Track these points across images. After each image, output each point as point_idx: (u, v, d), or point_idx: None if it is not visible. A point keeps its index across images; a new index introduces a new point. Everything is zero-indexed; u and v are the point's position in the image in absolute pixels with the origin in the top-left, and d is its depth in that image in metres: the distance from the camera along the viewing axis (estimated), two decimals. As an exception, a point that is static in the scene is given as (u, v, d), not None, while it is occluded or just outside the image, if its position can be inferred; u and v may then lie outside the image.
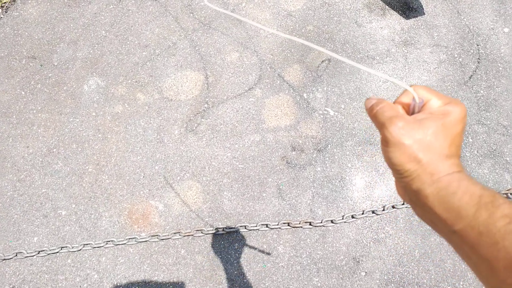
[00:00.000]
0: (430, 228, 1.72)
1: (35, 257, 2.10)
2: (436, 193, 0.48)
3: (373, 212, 2.18)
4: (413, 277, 2.05)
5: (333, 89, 2.63)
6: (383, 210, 2.18)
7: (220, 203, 2.25)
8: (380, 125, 0.52)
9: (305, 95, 2.61)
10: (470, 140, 2.44)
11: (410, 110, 0.56)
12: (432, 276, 2.04)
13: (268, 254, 2.08)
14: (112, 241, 2.11)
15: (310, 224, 2.15)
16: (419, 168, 0.49)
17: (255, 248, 2.11)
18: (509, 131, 2.46)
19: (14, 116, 2.55)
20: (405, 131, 0.49)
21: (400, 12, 2.98)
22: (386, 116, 0.52)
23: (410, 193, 0.52)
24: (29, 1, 3.09)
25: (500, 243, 0.41)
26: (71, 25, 2.95)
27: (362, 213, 2.17)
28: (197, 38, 2.88)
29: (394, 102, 0.57)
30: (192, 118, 2.54)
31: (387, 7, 3.02)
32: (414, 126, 0.50)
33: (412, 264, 2.08)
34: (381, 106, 0.54)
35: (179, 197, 2.26)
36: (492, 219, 0.43)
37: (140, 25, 2.95)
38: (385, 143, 0.51)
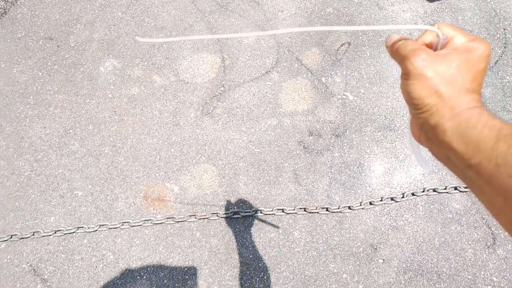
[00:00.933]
0: (450, 216, 1.66)
1: (52, 236, 2.12)
2: (455, 127, 0.47)
3: (392, 199, 2.13)
4: (432, 265, 2.00)
5: (353, 73, 2.56)
6: (403, 197, 2.13)
7: (235, 187, 2.22)
8: (402, 58, 0.51)
9: (323, 79, 2.55)
10: (495, 127, 2.36)
11: (433, 47, 0.55)
12: (452, 265, 1.99)
13: (276, 226, 2.06)
14: (128, 222, 2.11)
15: (327, 210, 2.11)
16: (440, 102, 0.48)
17: (274, 226, 2.09)
18: (536, 119, 2.37)
19: (31, 97, 2.55)
20: (427, 62, 0.49)
21: (423, -6, 2.88)
22: (408, 49, 0.51)
23: (428, 129, 0.50)
24: (46, -18, 3.07)
25: None
26: (88, 6, 2.93)
27: (381, 200, 2.12)
28: (214, 20, 2.83)
29: (416, 40, 0.56)
30: (208, 101, 2.50)
31: (410, -11, 2.91)
32: (437, 58, 0.49)
33: (432, 252, 2.04)
34: (403, 41, 0.53)
35: (195, 180, 2.25)
36: (510, 150, 0.41)
37: (156, 7, 2.91)
38: (406, 76, 0.50)
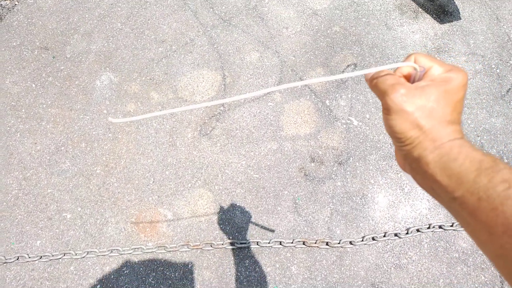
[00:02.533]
0: (457, 256, 1.55)
1: (37, 262, 2.01)
2: (437, 159, 0.47)
3: (395, 235, 2.02)
4: (436, 309, 1.90)
5: (358, 97, 2.46)
6: (407, 233, 2.02)
7: (231, 216, 2.12)
8: (382, 93, 0.51)
9: (327, 102, 2.45)
10: (506, 160, 2.25)
11: (411, 79, 0.55)
12: (457, 310, 1.89)
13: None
14: (117, 250, 2.00)
15: (327, 244, 2.00)
16: (421, 134, 0.49)
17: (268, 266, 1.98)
18: (548, 153, 2.26)
19: (23, 110, 2.46)
20: (407, 97, 0.49)
21: (434, 15, 2.78)
22: (387, 83, 0.51)
23: (411, 161, 0.51)
24: (45, -11, 2.98)
25: (499, 208, 0.40)
26: (86, 16, 2.84)
27: (384, 236, 2.02)
28: (216, 35, 2.73)
29: (394, 72, 0.56)
30: (206, 121, 2.40)
31: (420, 9, 2.81)
32: (416, 92, 0.49)
33: (436, 294, 1.93)
34: (382, 75, 0.53)
35: (189, 206, 2.14)
36: (491, 184, 0.42)
37: (157, 19, 2.81)
38: (387, 111, 0.50)
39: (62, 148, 2.33)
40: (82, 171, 2.26)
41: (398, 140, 0.51)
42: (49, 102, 2.48)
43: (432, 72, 0.53)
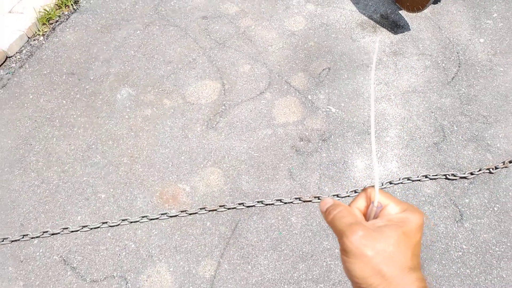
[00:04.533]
0: (423, 199, 2.04)
1: (79, 232, 2.40)
2: None
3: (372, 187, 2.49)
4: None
5: (334, 91, 3.02)
6: (382, 185, 2.49)
7: (239, 185, 2.57)
8: (339, 233, 0.50)
9: (309, 96, 3.00)
10: (455, 128, 2.79)
11: (367, 215, 0.54)
12: (428, 238, 2.32)
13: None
14: (146, 216, 2.41)
15: (318, 199, 2.46)
16: (383, 282, 0.46)
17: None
18: (488, 120, 2.82)
19: (57, 120, 2.94)
20: (366, 241, 0.47)
21: (389, 29, 3.44)
22: (344, 222, 0.50)
23: None
24: (67, 29, 3.58)
25: None
26: (104, 47, 3.42)
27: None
28: (214, 54, 3.32)
29: (349, 205, 0.56)
30: (212, 117, 2.92)
31: (377, 25, 3.48)
32: (376, 235, 0.48)
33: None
34: (338, 211, 0.53)
35: (203, 181, 2.59)
36: None
37: (164, 46, 3.41)
38: (346, 253, 0.48)
39: (93, 146, 2.80)
40: (111, 162, 2.71)
41: (357, 285, 0.48)
42: (78, 113, 2.98)
43: (389, 211, 0.52)
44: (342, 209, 0.53)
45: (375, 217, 0.53)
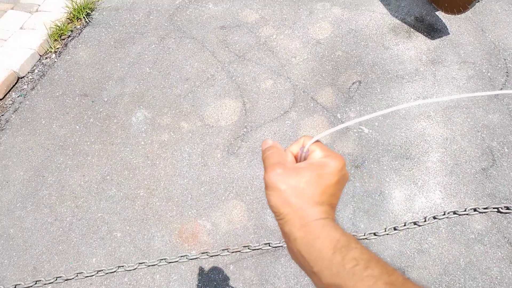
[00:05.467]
0: (473, 237, 1.77)
1: (94, 276, 2.24)
2: (303, 236, 0.51)
3: (414, 223, 2.23)
4: (460, 285, 2.06)
5: (366, 108, 2.74)
6: (425, 221, 2.22)
7: (264, 220, 2.35)
8: (264, 169, 0.58)
9: (338, 115, 2.74)
10: (506, 150, 2.47)
11: (298, 158, 0.62)
12: (480, 284, 2.05)
13: None
14: (165, 259, 2.23)
15: (353, 237, 2.21)
16: (291, 212, 0.53)
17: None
18: (545, 140, 2.49)
19: (70, 149, 2.78)
20: (281, 177, 0.54)
21: (425, 33, 3.11)
22: (270, 161, 0.58)
23: (284, 235, 0.55)
24: (79, 45, 3.41)
25: (345, 284, 0.45)
26: (118, 64, 3.23)
27: (404, 225, 2.22)
28: (233, 69, 3.08)
29: (286, 149, 0.62)
30: (232, 142, 2.69)
31: (412, 29, 3.16)
32: (291, 173, 0.55)
33: (458, 272, 2.10)
34: (270, 152, 0.60)
35: (225, 216, 2.38)
36: (343, 261, 0.46)
37: (180, 61, 3.19)
38: (265, 186, 0.56)
39: (108, 177, 2.62)
40: (127, 195, 2.54)
41: (274, 214, 0.56)
42: (92, 140, 2.81)
43: (314, 155, 0.59)
44: (275, 151, 0.60)
45: (304, 160, 0.60)
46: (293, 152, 0.62)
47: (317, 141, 0.61)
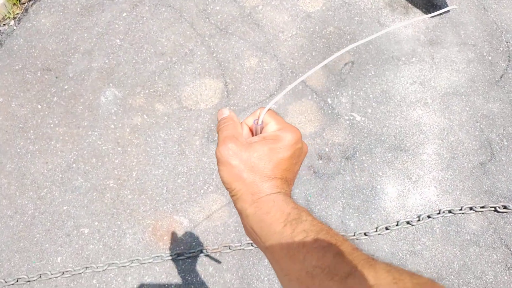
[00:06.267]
0: (468, 238, 1.61)
1: (59, 278, 2.04)
2: (254, 212, 0.50)
3: (408, 223, 2.08)
4: (454, 291, 1.95)
5: (359, 93, 2.53)
6: (418, 220, 2.08)
7: (246, 217, 2.17)
8: (217, 143, 0.55)
9: (329, 100, 2.51)
10: (506, 143, 2.32)
11: (253, 131, 0.60)
12: (474, 290, 1.94)
13: None
14: (137, 259, 2.04)
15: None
16: (243, 187, 0.52)
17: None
18: (546, 133, 2.34)
19: (31, 131, 2.49)
20: (233, 152, 0.52)
21: (423, 10, 2.87)
22: (223, 135, 0.55)
23: (238, 212, 0.54)
24: (42, 11, 3.03)
25: (296, 256, 0.44)
26: (85, 35, 2.89)
27: (397, 225, 2.08)
28: (214, 44, 2.79)
29: (242, 122, 0.61)
30: (213, 127, 2.45)
31: (409, 5, 2.90)
32: (243, 148, 0.53)
33: (452, 277, 1.99)
34: (225, 124, 0.57)
35: (204, 212, 2.19)
36: (293, 234, 0.45)
37: (155, 33, 2.87)
38: (217, 161, 0.54)
39: (74, 165, 2.37)
40: (95, 186, 2.30)
41: (227, 190, 0.54)
42: (56, 122, 2.52)
43: (268, 129, 0.57)
44: (230, 123, 0.57)
45: (258, 133, 0.58)
46: (249, 125, 0.61)
47: (274, 113, 0.59)
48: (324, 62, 0.59)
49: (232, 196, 0.54)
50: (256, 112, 0.59)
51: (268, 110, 0.58)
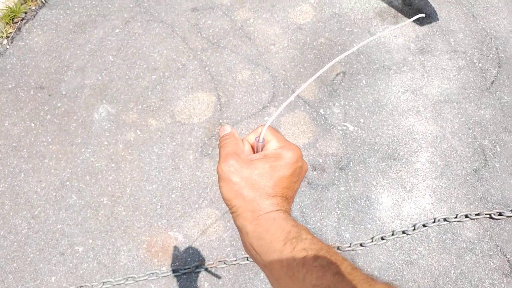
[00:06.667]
0: (464, 246, 1.61)
1: (53, 298, 2.02)
2: (254, 230, 0.50)
3: (403, 232, 2.07)
4: (452, 300, 1.94)
5: (351, 103, 2.54)
6: (414, 229, 2.07)
7: (241, 231, 2.15)
8: (219, 159, 0.56)
9: (321, 110, 2.52)
10: (498, 149, 2.33)
11: (255, 148, 0.60)
12: (472, 299, 1.93)
13: None
14: (132, 277, 2.02)
15: (338, 249, 2.04)
16: (244, 204, 0.52)
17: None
18: (539, 138, 2.35)
19: (25, 150, 2.49)
20: (234, 168, 0.53)
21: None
22: (225, 151, 0.56)
23: (238, 229, 0.54)
24: (34, 30, 3.05)
25: (295, 275, 0.44)
26: (78, 52, 2.90)
27: (392, 234, 2.07)
28: (206, 58, 2.81)
29: (243, 138, 0.61)
30: (206, 141, 2.46)
31: (399, 14, 2.93)
32: (244, 165, 0.53)
33: (449, 286, 1.97)
34: (227, 141, 0.58)
35: (199, 226, 2.17)
36: (293, 252, 0.45)
37: (147, 48, 2.89)
38: (218, 177, 0.55)
39: (67, 183, 2.36)
40: (89, 203, 2.29)
41: (227, 206, 0.55)
42: (49, 140, 2.52)
43: (269, 146, 0.58)
44: (232, 140, 0.58)
45: (261, 150, 0.59)
46: (250, 142, 0.61)
47: (275, 130, 0.59)
48: (317, 74, 0.60)
49: (232, 213, 0.54)
50: (257, 130, 0.60)
51: (268, 127, 0.59)
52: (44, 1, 3.25)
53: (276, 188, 0.53)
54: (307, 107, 2.54)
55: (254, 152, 0.60)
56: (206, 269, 2.03)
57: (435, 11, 2.89)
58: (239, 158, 0.54)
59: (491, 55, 2.68)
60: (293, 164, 0.55)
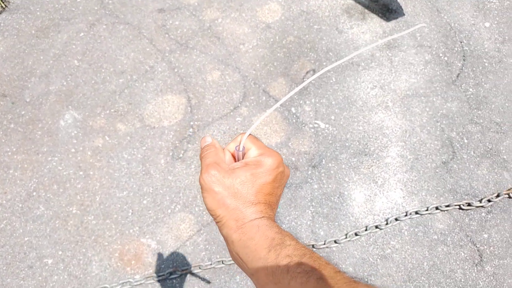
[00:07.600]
0: (436, 237, 1.63)
1: (22, 313, 1.95)
2: (239, 238, 0.50)
3: (376, 227, 2.09)
4: (425, 292, 1.97)
5: (321, 101, 2.54)
6: (387, 224, 2.09)
7: (216, 234, 2.13)
8: (201, 170, 0.56)
9: (293, 109, 2.52)
10: (465, 141, 2.38)
11: (236, 157, 0.61)
12: (445, 289, 1.96)
13: None
14: (105, 287, 1.97)
15: (313, 247, 2.05)
16: (227, 214, 0.52)
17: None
18: (503, 128, 2.41)
19: (-13, 161, 2.39)
20: (216, 178, 0.53)
21: (380, 14, 2.92)
22: (206, 162, 0.56)
23: (224, 238, 0.54)
24: (-6, 36, 2.93)
25: (281, 282, 0.44)
26: (41, 57, 2.81)
27: (366, 229, 2.08)
28: (175, 59, 2.76)
29: (224, 148, 0.62)
30: (177, 144, 2.42)
31: (366, 10, 2.96)
32: (225, 174, 0.54)
33: (422, 278, 2.00)
34: (208, 151, 0.58)
35: (172, 232, 2.14)
36: (277, 259, 0.46)
37: (114, 51, 2.82)
38: (201, 188, 0.55)
39: (34, 193, 2.28)
40: (58, 213, 2.22)
41: (212, 216, 0.55)
42: (14, 149, 2.43)
43: (249, 154, 0.58)
44: (212, 150, 0.58)
45: (240, 159, 0.59)
46: (231, 151, 0.61)
47: (255, 138, 0.60)
48: (301, 85, 0.62)
49: (217, 223, 0.54)
50: (237, 138, 0.60)
51: (248, 136, 0.59)
52: (4, 6, 3.13)
53: (259, 195, 0.54)
54: (279, 106, 2.53)
55: (235, 161, 0.61)
56: (181, 275, 2.00)
57: (400, 7, 2.93)
58: (220, 168, 0.55)
59: (456, 49, 2.73)
60: (274, 170, 0.55)
